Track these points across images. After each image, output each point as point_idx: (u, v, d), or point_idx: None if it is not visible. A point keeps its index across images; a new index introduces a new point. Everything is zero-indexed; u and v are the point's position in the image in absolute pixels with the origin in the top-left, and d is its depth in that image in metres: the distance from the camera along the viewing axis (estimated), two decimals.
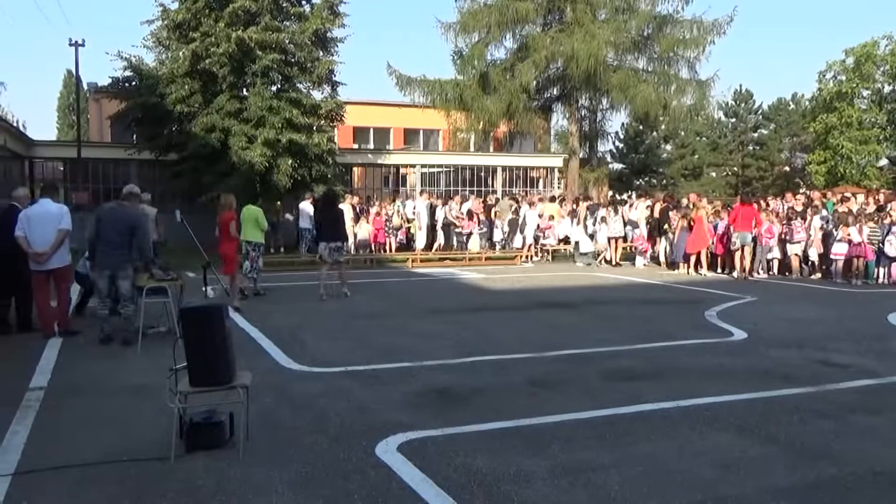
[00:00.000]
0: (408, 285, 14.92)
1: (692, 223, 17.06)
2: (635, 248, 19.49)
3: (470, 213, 21.54)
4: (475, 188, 28.36)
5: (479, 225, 21.38)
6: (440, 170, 30.00)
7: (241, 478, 4.43)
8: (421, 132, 38.10)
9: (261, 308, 11.21)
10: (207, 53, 19.87)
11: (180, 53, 20.46)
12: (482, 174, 29.73)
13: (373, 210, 21.33)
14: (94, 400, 6.16)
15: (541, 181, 30.88)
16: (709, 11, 33.19)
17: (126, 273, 8.46)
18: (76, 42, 24.88)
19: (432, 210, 21.61)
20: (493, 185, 29.43)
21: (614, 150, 47.92)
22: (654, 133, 46.44)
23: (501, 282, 15.39)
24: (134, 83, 21.20)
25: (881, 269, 15.22)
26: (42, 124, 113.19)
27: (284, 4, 21.52)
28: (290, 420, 5.58)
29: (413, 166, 29.95)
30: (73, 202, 22.94)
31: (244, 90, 21.02)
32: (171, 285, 8.85)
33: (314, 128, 21.24)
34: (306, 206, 19.85)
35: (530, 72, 28.67)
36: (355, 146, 33.54)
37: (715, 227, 17.17)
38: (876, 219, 15.60)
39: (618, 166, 47.98)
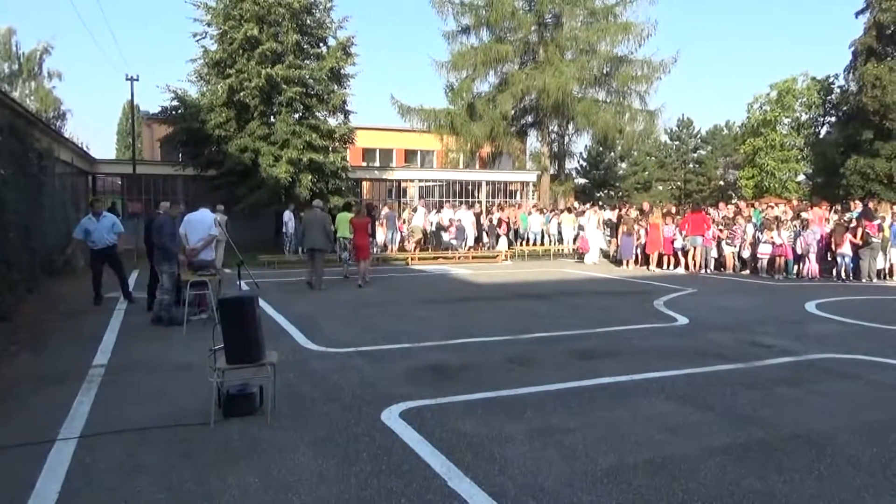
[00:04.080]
0: (407, 280, 14.89)
1: (646, 228, 17.14)
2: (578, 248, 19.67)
3: (500, 222, 21.45)
4: (464, 199, 28.35)
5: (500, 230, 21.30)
6: (435, 183, 29.99)
7: (269, 440, 4.42)
8: (419, 152, 38.03)
9: (286, 298, 11.16)
10: (241, 87, 19.83)
11: (218, 87, 20.40)
12: (469, 187, 29.73)
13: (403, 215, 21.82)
14: (147, 375, 6.12)
15: (518, 193, 30.91)
16: (657, 53, 33.24)
17: (162, 268, 8.76)
18: (132, 77, 24.75)
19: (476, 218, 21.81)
20: (478, 197, 29.42)
21: (579, 167, 47.91)
22: (612, 153, 46.46)
23: (485, 277, 15.38)
24: (180, 111, 21.09)
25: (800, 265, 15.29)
26: (104, 146, 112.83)
27: (305, 46, 21.44)
28: (310, 392, 5.56)
29: (412, 181, 29.93)
30: (129, 211, 22.83)
31: (272, 117, 20.96)
32: (211, 280, 8.83)
33: (330, 149, 21.20)
34: (290, 215, 19.75)
35: (509, 102, 28.71)
36: (364, 164, 33.45)
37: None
38: (794, 224, 15.66)
39: (582, 181, 47.98)
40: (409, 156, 38.29)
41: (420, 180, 30.08)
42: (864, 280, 14.17)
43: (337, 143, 21.93)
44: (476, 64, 29.17)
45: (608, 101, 30.60)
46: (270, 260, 17.61)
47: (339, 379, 5.96)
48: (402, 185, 29.84)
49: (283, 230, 19.79)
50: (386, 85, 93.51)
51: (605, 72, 29.92)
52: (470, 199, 28.71)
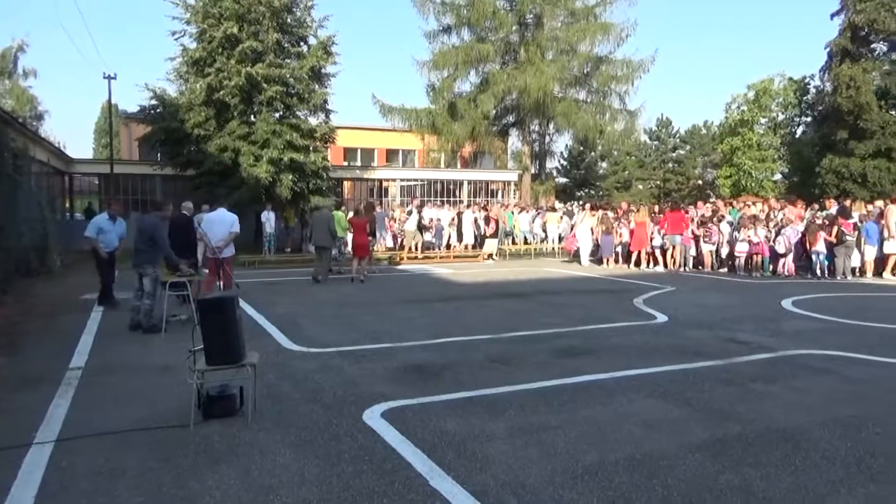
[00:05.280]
0: (389, 279, 14.85)
1: (629, 227, 17.28)
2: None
3: (487, 219, 21.30)
4: (446, 198, 28.37)
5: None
6: (416, 183, 29.97)
7: (249, 441, 4.39)
8: (400, 152, 37.97)
9: (267, 298, 11.09)
10: (221, 86, 19.64)
11: (198, 86, 20.20)
12: (451, 186, 29.77)
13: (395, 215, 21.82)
14: (125, 378, 6.04)
15: (499, 192, 30.99)
16: (636, 53, 33.48)
17: (146, 272, 8.28)
18: (109, 75, 24.47)
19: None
20: (460, 196, 29.46)
21: (559, 167, 48.14)
22: (592, 153, 46.82)
23: (467, 276, 15.39)
24: (158, 110, 20.85)
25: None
26: (81, 146, 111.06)
27: (286, 45, 21.30)
28: (291, 393, 5.53)
29: (394, 180, 29.87)
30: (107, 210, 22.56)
31: (252, 117, 20.79)
32: (190, 280, 8.74)
33: (311, 148, 21.07)
34: (269, 215, 19.64)
35: (490, 102, 28.79)
36: (345, 163, 33.34)
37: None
38: (772, 222, 15.89)
39: (562, 180, 48.25)
40: (391, 155, 38.22)
41: (402, 180, 30.03)
42: (839, 277, 14.40)
43: (318, 143, 21.82)
44: (457, 63, 29.22)
45: (588, 100, 30.82)
46: (250, 260, 17.48)
47: (320, 379, 5.93)
48: (384, 184, 29.79)
49: (263, 230, 19.67)
50: (367, 84, 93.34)
51: (585, 72, 30.13)
52: (452, 199, 28.74)
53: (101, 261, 9.90)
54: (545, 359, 6.80)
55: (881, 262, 14.98)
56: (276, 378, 5.94)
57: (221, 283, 10.55)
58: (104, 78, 24.45)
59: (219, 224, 10.29)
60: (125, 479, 3.80)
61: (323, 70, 21.64)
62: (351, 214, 15.45)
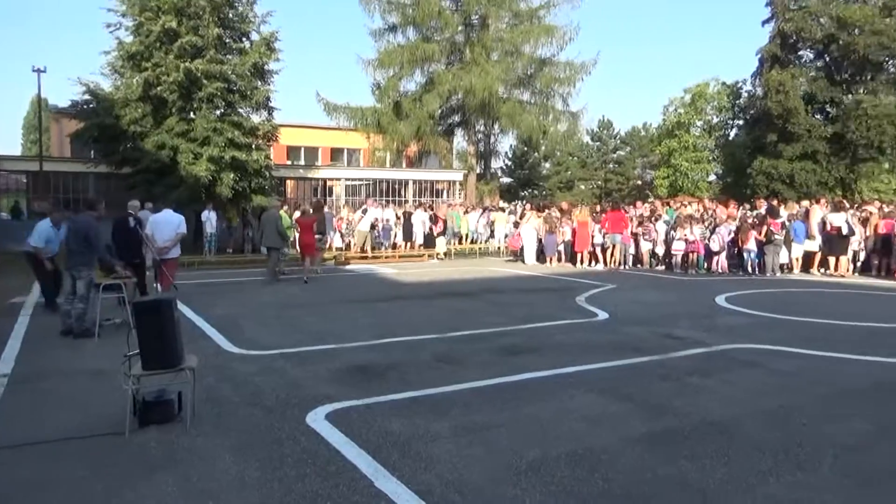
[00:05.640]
0: (334, 279, 14.70)
1: (572, 226, 17.59)
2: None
3: (435, 219, 21.12)
4: (391, 198, 28.26)
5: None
6: (361, 182, 29.76)
7: (188, 447, 4.26)
8: (345, 151, 37.61)
9: (206, 300, 10.80)
10: (158, 81, 19.00)
11: (134, 80, 19.47)
12: (396, 186, 29.67)
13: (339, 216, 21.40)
14: (56, 384, 5.78)
15: (445, 192, 31.07)
16: (579, 56, 34.07)
17: (80, 274, 7.88)
18: (38, 69, 23.40)
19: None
20: (405, 196, 29.40)
21: (504, 167, 48.66)
22: (536, 153, 47.46)
23: (412, 276, 15.37)
24: (92, 106, 20.00)
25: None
26: (7, 142, 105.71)
27: (227, 41, 20.80)
28: (231, 396, 5.40)
29: (338, 179, 29.58)
30: (35, 210, 21.52)
31: (192, 113, 20.16)
32: (125, 282, 8.43)
33: (253, 146, 20.64)
34: (209, 214, 19.23)
35: (436, 102, 28.86)
36: (289, 162, 32.81)
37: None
38: (707, 222, 16.46)
39: (507, 180, 48.79)
40: (335, 154, 37.81)
41: (347, 179, 29.77)
42: (768, 274, 15.02)
43: (260, 141, 21.40)
44: (403, 62, 29.16)
45: (532, 101, 31.23)
46: (190, 261, 16.96)
47: (261, 382, 5.82)
48: (329, 184, 29.46)
49: (203, 230, 19.17)
50: (311, 82, 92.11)
51: (529, 73, 30.53)
52: (397, 198, 28.65)
53: (43, 268, 9.47)
54: (490, 357, 6.85)
55: (809, 258, 15.73)
56: (215, 381, 5.79)
57: (159, 284, 10.25)
58: (33, 71, 23.39)
59: (165, 225, 10.09)
60: (55, 490, 3.64)
61: (266, 67, 21.21)
62: (297, 214, 15.30)
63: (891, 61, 32.67)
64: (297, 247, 14.71)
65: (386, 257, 19.55)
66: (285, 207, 20.35)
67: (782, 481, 3.76)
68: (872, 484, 3.69)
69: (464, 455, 4.12)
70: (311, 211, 15.20)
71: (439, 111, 30.71)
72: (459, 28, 29.69)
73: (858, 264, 15.54)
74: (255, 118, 21.47)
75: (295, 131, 32.42)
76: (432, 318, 9.32)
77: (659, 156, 45.69)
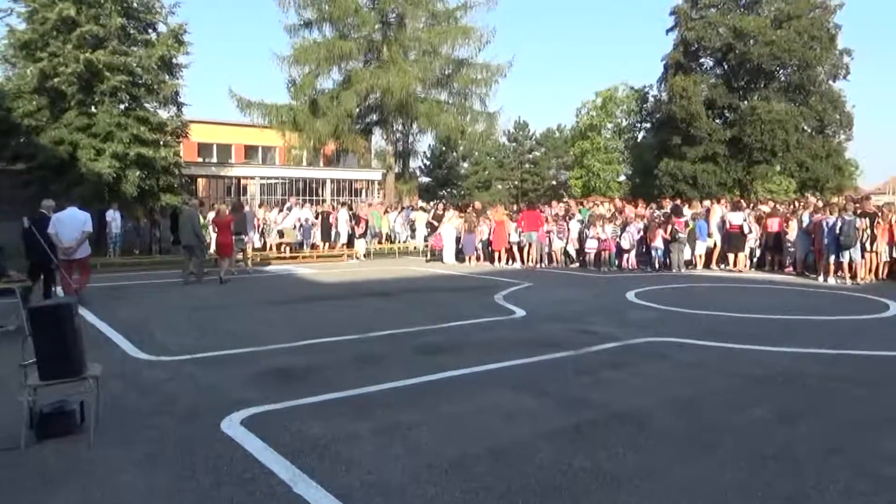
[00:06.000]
0: (248, 281, 14.30)
1: (489, 226, 17.85)
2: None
3: (357, 218, 20.68)
4: (308, 197, 27.74)
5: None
6: (277, 181, 29.07)
7: (91, 460, 4.03)
8: (260, 148, 36.60)
9: (111, 304, 10.26)
10: (56, 72, 17.84)
11: (28, 71, 18.25)
12: (314, 185, 29.16)
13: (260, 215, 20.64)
14: None
15: (363, 191, 30.84)
16: (496, 57, 34.58)
17: None
18: None
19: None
20: (323, 195, 28.96)
21: (423, 166, 48.77)
22: (454, 153, 47.84)
23: (332, 276, 15.17)
24: None
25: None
26: None
27: (132, 31, 19.78)
28: (139, 405, 5.15)
29: (253, 178, 28.77)
30: None
31: (93, 107, 19.03)
32: (20, 286, 7.87)
33: (161, 143, 19.74)
34: (115, 214, 18.36)
35: (353, 100, 28.52)
36: (200, 160, 31.61)
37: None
38: (619, 221, 17.11)
39: (426, 179, 48.94)
40: (250, 152, 36.75)
41: (261, 178, 28.99)
42: (674, 270, 15.78)
43: (168, 137, 20.48)
44: (319, 60, 28.66)
45: (450, 102, 31.41)
46: (93, 262, 16.05)
47: (172, 389, 5.58)
48: (243, 182, 28.60)
49: (107, 230, 18.18)
50: (224, 77, 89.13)
51: (446, 73, 30.69)
52: (314, 197, 28.16)
53: None
54: (410, 357, 6.85)
55: (710, 255, 16.65)
56: (122, 390, 5.51)
57: (60, 287, 9.67)
58: None
59: (70, 224, 9.79)
60: None
61: (174, 60, 20.34)
62: (213, 214, 14.87)
63: (781, 71, 35.04)
64: (214, 247, 14.29)
65: (304, 257, 19.19)
66: (202, 206, 19.65)
67: (690, 466, 3.95)
68: (767, 465, 3.94)
69: (385, 456, 4.10)
70: (229, 210, 14.93)
71: (357, 110, 30.37)
72: (377, 26, 29.48)
73: (755, 260, 16.57)
74: (163, 113, 20.56)
75: (206, 128, 31.32)
76: (352, 319, 9.22)
77: (572, 157, 47.14)
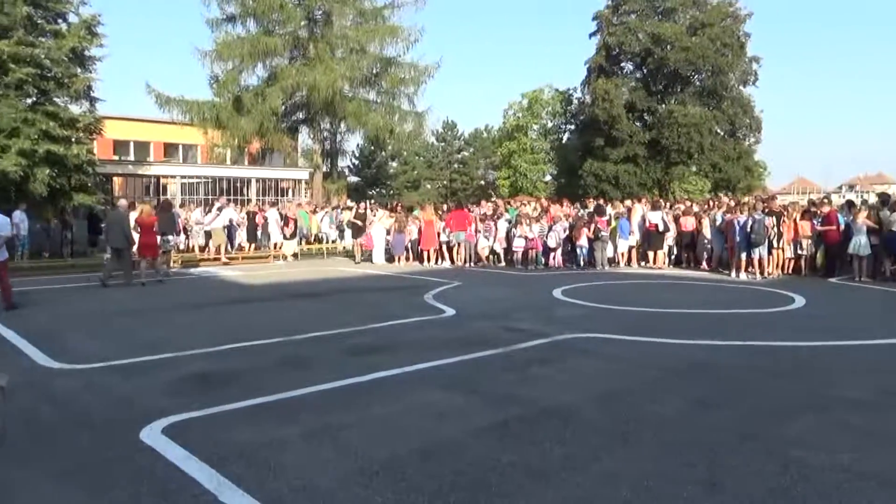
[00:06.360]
0: (172, 283, 13.77)
1: (419, 226, 17.87)
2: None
3: (286, 219, 20.01)
4: (233, 197, 26.98)
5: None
6: (199, 180, 28.14)
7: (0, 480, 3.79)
8: (180, 146, 35.35)
9: (18, 310, 9.66)
10: None
11: None
12: (238, 184, 28.43)
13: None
14: None
15: (290, 191, 30.27)
16: (424, 57, 34.65)
17: None
18: None
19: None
20: (248, 195, 28.24)
21: (351, 166, 48.36)
22: (383, 152, 47.69)
23: (258, 278, 14.82)
24: None
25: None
26: None
27: (39, 21, 18.71)
28: (52, 417, 4.87)
29: (173, 177, 27.76)
30: None
31: None
32: None
33: (73, 140, 18.75)
34: (22, 215, 17.39)
35: (278, 97, 27.98)
36: (116, 157, 30.23)
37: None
38: (543, 220, 17.49)
39: (354, 179, 48.53)
40: (170, 150, 35.43)
41: (182, 177, 28.00)
42: (598, 268, 16.26)
43: (81, 134, 19.49)
44: (243, 55, 27.96)
45: (379, 101, 31.28)
46: None
47: (88, 399, 5.31)
48: (162, 181, 27.57)
49: (14, 232, 17.09)
50: (142, 72, 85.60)
51: (374, 72, 30.54)
52: (239, 197, 27.43)
53: None
54: (339, 358, 6.77)
55: (631, 252, 17.24)
56: (32, 401, 5.19)
57: None
58: None
59: None
60: None
61: (86, 52, 19.39)
62: (136, 214, 14.26)
63: (696, 76, 36.69)
64: (137, 248, 13.71)
65: (231, 259, 18.65)
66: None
67: (614, 458, 4.08)
68: (685, 453, 4.12)
69: (314, 460, 4.04)
70: (154, 211, 14.55)
71: (283, 107, 29.82)
72: (303, 23, 29.01)
73: (672, 257, 17.28)
74: (75, 109, 19.55)
75: (123, 124, 30.02)
76: (279, 321, 9.03)
77: (500, 157, 47.77)
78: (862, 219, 13.69)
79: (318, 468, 3.90)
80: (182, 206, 23.20)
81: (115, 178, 26.15)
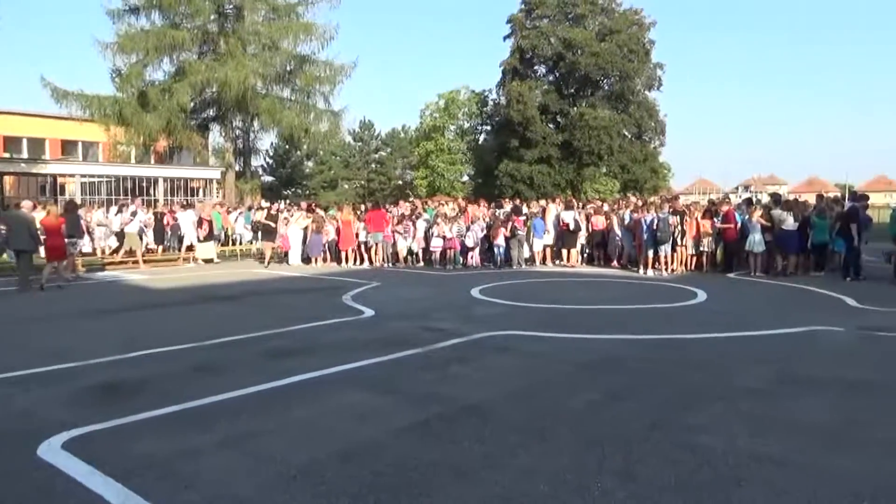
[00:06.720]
0: (76, 288, 12.97)
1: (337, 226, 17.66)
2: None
3: (200, 220, 19.09)
4: (139, 197, 25.70)
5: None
6: (101, 179, 26.61)
7: None
8: (80, 143, 33.35)
9: None
10: None
11: None
12: (144, 184, 27.08)
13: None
14: None
15: (201, 191, 29.14)
16: (340, 56, 34.26)
17: None
18: None
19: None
20: (155, 195, 26.98)
21: (265, 165, 47.18)
22: (298, 152, 46.78)
23: (167, 281, 14.19)
24: None
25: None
26: None
27: None
28: None
29: (72, 176, 26.15)
30: None
31: None
32: None
33: None
34: None
35: (187, 93, 26.92)
36: (7, 155, 28.18)
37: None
38: (461, 220, 17.67)
39: (269, 178, 47.36)
40: (68, 147, 33.35)
41: (82, 176, 26.41)
42: (514, 267, 16.59)
43: None
44: (148, 49, 26.70)
45: (293, 99, 30.67)
46: None
47: None
48: (60, 180, 25.91)
49: None
50: (36, 64, 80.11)
51: (288, 70, 29.91)
52: (145, 197, 26.16)
53: None
54: (257, 362, 6.60)
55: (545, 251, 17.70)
56: None
57: None
58: None
59: None
60: None
61: None
62: (42, 215, 13.39)
63: (605, 80, 38.10)
64: (43, 252, 12.96)
65: (142, 261, 17.74)
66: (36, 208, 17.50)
67: (531, 453, 4.18)
68: (598, 445, 4.27)
69: (231, 467, 3.92)
70: (61, 212, 13.87)
71: (192, 104, 28.70)
72: (212, 17, 28.03)
73: (585, 255, 17.85)
74: None
75: (15, 119, 28.10)
76: (190, 326, 8.70)
77: (417, 157, 47.89)
78: (756, 217, 14.62)
79: (234, 476, 3.79)
80: (82, 206, 21.87)
81: (5, 177, 24.37)
